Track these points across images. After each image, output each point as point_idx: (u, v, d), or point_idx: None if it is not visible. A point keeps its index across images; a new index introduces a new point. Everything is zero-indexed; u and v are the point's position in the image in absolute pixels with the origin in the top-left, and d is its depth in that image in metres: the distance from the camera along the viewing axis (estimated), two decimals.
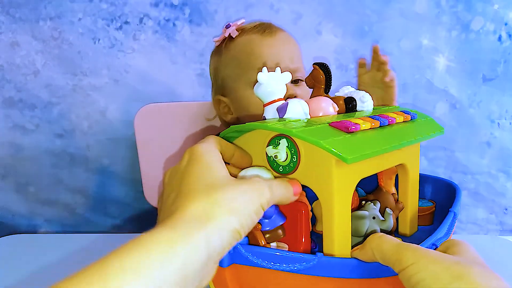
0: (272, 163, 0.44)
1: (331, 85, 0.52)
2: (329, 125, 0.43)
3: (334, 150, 0.38)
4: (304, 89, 0.77)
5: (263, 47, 0.74)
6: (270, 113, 0.48)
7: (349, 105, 0.53)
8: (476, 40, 1.18)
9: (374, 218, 0.53)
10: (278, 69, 0.48)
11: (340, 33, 1.17)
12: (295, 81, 0.77)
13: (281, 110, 0.46)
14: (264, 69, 0.47)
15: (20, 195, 1.22)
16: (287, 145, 0.42)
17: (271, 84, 0.47)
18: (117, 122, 1.18)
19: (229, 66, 0.77)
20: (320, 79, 0.51)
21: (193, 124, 0.99)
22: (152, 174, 0.99)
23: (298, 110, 0.46)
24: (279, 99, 0.48)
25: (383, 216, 0.54)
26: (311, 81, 0.53)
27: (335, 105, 0.51)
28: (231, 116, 0.81)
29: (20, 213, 1.23)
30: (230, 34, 0.76)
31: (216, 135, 0.78)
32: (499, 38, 1.18)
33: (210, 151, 0.39)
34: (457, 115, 1.23)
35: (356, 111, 0.55)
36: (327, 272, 0.39)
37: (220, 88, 0.80)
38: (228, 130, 0.48)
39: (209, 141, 0.42)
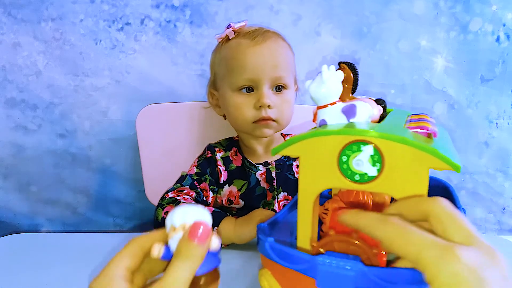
0: (345, 171, 0.40)
1: (357, 86, 0.50)
2: (410, 130, 0.41)
3: (451, 159, 0.35)
4: (284, 98, 0.79)
5: (247, 54, 0.75)
6: (331, 116, 0.43)
7: (381, 105, 0.51)
8: (474, 41, 1.19)
9: None
10: (333, 67, 0.43)
11: (339, 34, 1.18)
12: (278, 88, 0.78)
13: (350, 113, 0.42)
14: (325, 66, 0.42)
15: (22, 195, 1.23)
16: (372, 153, 0.38)
17: (331, 85, 0.42)
18: (118, 122, 1.19)
19: (220, 65, 0.81)
20: (347, 78, 0.48)
21: (194, 124, 1.00)
22: (154, 173, 1.00)
23: (367, 112, 0.42)
24: (336, 102, 0.43)
25: None
26: None
27: (380, 108, 0.49)
28: (220, 110, 0.86)
29: (22, 213, 1.24)
30: (227, 34, 0.79)
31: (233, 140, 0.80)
32: (497, 39, 1.19)
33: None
34: (455, 115, 1.23)
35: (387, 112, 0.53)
36: None
37: (212, 82, 0.85)
38: (286, 143, 0.43)
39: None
